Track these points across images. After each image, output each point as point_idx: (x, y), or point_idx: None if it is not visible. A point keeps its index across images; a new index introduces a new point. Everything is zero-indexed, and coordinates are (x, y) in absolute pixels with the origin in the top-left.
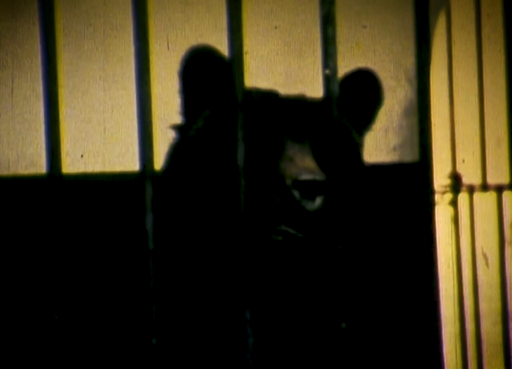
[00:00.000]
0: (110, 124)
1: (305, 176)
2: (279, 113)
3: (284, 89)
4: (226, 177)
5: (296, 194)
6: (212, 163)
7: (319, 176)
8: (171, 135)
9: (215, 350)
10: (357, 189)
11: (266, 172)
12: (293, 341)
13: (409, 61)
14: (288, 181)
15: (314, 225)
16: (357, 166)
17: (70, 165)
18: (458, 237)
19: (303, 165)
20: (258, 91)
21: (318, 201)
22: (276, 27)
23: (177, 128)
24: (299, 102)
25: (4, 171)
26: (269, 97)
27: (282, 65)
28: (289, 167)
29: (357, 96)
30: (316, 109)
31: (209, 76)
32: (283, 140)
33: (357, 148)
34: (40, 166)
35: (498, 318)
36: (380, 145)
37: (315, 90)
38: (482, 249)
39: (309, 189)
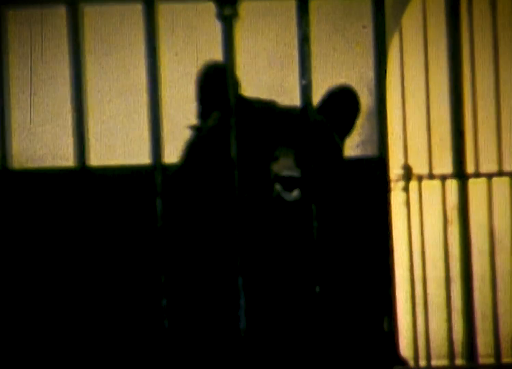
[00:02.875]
0: (126, 126)
1: (285, 173)
2: (274, 121)
3: (268, 97)
4: (227, 170)
5: (278, 187)
6: (218, 157)
7: (296, 173)
8: (178, 134)
9: (220, 325)
10: (336, 181)
11: (259, 168)
12: (278, 304)
13: (370, 74)
14: (273, 176)
15: (293, 211)
16: (337, 162)
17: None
18: (409, 218)
19: (284, 164)
20: (259, 101)
21: (295, 193)
22: (263, 48)
23: (194, 128)
24: (290, 113)
25: (32, 164)
26: (268, 106)
27: (266, 78)
28: (274, 165)
29: (339, 109)
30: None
31: (221, 87)
32: (275, 144)
33: (338, 148)
34: (66, 159)
35: (442, 283)
36: (346, 142)
37: (294, 98)
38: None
39: (287, 182)
